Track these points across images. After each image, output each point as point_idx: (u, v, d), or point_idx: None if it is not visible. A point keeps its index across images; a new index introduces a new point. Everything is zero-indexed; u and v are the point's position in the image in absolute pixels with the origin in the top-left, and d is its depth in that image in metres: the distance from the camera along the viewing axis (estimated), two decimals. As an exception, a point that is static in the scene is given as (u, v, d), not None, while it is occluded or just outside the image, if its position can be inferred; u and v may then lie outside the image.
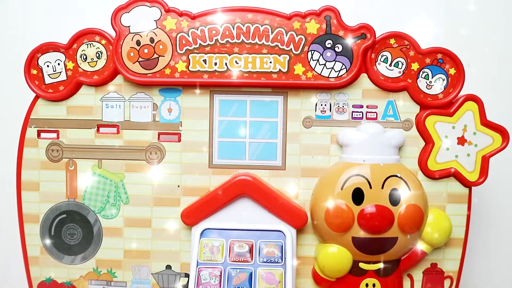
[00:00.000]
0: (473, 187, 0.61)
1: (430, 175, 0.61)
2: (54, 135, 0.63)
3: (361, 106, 0.61)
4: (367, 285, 0.59)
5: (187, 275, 0.63)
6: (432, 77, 0.60)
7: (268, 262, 0.57)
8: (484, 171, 0.60)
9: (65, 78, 0.62)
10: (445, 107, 0.60)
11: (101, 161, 0.63)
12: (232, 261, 0.57)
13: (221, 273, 0.56)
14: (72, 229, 0.64)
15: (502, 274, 0.76)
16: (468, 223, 0.62)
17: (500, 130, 0.60)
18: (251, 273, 0.56)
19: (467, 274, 0.67)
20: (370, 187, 0.57)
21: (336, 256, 0.58)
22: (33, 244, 0.64)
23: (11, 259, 0.69)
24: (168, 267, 0.63)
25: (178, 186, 0.62)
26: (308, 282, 0.62)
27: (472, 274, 0.74)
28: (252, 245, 0.58)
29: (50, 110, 0.62)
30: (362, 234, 0.57)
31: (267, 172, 0.62)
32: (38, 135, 0.63)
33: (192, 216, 0.60)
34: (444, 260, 0.62)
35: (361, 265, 0.59)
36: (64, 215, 0.63)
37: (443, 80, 0.60)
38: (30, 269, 0.64)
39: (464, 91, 0.60)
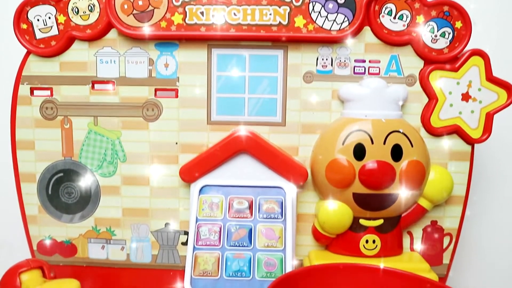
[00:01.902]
0: (476, 145, 0.60)
1: (433, 132, 0.60)
2: (48, 92, 0.61)
3: (364, 61, 0.60)
4: (367, 241, 0.59)
5: (186, 233, 0.62)
6: (438, 31, 0.58)
7: (268, 218, 0.57)
8: (488, 128, 0.59)
9: (57, 33, 0.60)
10: (450, 62, 0.59)
11: (97, 118, 0.61)
12: (232, 217, 0.57)
13: (220, 229, 0.56)
14: (69, 188, 0.63)
15: (502, 231, 0.76)
16: (470, 181, 0.61)
17: (506, 86, 0.59)
18: (251, 229, 0.56)
19: (466, 232, 0.67)
20: (372, 143, 0.56)
21: (337, 213, 0.58)
22: (31, 203, 0.63)
23: (10, 219, 0.68)
24: (167, 225, 0.63)
25: (176, 143, 0.61)
26: (308, 239, 0.62)
27: (471, 231, 0.74)
28: (252, 202, 0.58)
29: (43, 67, 0.61)
30: (363, 190, 0.57)
31: (266, 128, 0.61)
32: (31, 93, 0.61)
33: (191, 173, 0.59)
34: (444, 217, 0.62)
35: (362, 221, 0.59)
36: (61, 174, 0.62)
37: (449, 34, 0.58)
38: (29, 228, 0.64)
39: (470, 48, 0.58)
